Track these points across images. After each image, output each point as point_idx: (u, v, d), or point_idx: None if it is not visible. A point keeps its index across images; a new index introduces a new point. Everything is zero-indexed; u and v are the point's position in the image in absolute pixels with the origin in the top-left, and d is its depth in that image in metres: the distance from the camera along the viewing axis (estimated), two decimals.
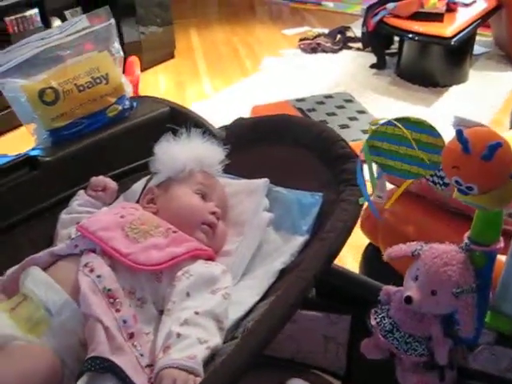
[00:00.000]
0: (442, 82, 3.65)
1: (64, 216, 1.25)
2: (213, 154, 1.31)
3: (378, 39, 3.90)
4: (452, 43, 3.34)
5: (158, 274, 1.06)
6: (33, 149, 1.33)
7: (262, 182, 1.28)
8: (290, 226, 1.22)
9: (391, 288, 1.08)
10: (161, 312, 1.03)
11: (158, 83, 4.00)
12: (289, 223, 1.23)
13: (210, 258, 1.15)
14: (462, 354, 1.05)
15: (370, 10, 3.71)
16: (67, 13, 3.65)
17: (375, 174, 1.02)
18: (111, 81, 1.41)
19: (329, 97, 3.46)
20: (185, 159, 1.27)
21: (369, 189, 1.03)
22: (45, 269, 1.06)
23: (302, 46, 4.45)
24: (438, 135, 0.91)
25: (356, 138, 2.80)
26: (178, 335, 0.92)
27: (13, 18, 3.24)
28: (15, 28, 3.27)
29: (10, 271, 1.10)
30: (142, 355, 0.94)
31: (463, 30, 3.43)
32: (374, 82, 3.80)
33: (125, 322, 0.96)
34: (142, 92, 3.14)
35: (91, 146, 1.35)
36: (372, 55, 4.04)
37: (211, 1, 6.09)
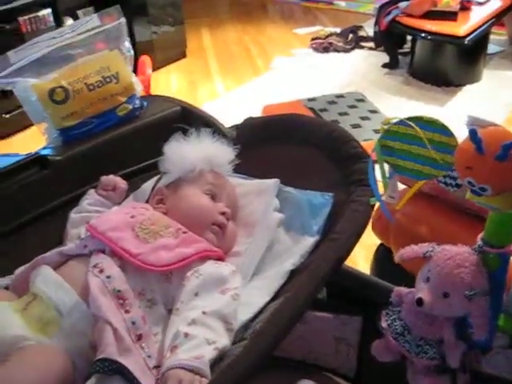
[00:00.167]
0: (456, 82, 3.63)
1: (74, 215, 1.25)
2: (223, 153, 1.31)
3: (390, 38, 3.88)
4: (465, 42, 3.31)
5: (168, 274, 1.06)
6: (43, 148, 1.34)
7: (273, 183, 1.28)
8: (300, 226, 1.21)
9: (403, 289, 1.07)
10: (170, 312, 1.02)
11: (170, 83, 4.00)
12: (299, 224, 1.22)
13: (220, 259, 1.15)
14: (475, 357, 1.04)
15: (382, 9, 3.69)
16: (80, 12, 3.66)
17: (387, 174, 1.00)
18: (121, 80, 1.41)
19: (340, 96, 3.45)
20: (194, 159, 1.27)
21: (380, 189, 1.02)
22: (55, 268, 1.06)
23: (313, 46, 4.44)
24: (450, 134, 0.90)
25: (368, 138, 2.78)
26: (186, 335, 0.92)
27: (26, 17, 3.26)
28: (28, 28, 3.28)
29: (19, 270, 1.11)
30: (149, 356, 0.93)
31: (477, 28, 3.40)
32: (386, 81, 3.78)
33: (133, 323, 0.95)
34: (154, 91, 3.14)
35: (101, 145, 1.35)
36: (384, 54, 4.02)
37: (223, 0, 6.09)
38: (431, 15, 3.47)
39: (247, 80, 3.94)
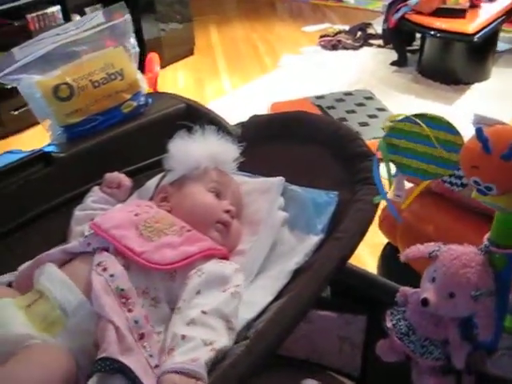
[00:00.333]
0: (464, 80, 3.61)
1: (78, 212, 1.25)
2: (227, 151, 1.30)
3: (399, 36, 3.86)
4: (475, 40, 3.29)
5: (172, 273, 1.05)
6: (48, 145, 1.34)
7: (277, 181, 1.27)
8: (304, 225, 1.20)
9: (408, 289, 1.06)
10: (173, 310, 1.02)
11: (177, 80, 4.00)
12: (304, 222, 1.21)
13: (224, 257, 1.14)
14: (481, 358, 1.02)
15: (391, 7, 3.67)
16: (88, 10, 3.66)
17: (392, 172, 0.99)
18: (126, 77, 1.40)
19: (348, 94, 3.43)
20: (199, 156, 1.26)
21: (386, 187, 1.01)
22: (59, 266, 1.05)
23: (322, 43, 4.43)
24: (456, 132, 0.89)
25: (376, 136, 2.76)
26: (183, 337, 0.91)
27: (34, 15, 3.27)
28: (36, 25, 3.30)
29: (22, 267, 1.10)
30: (151, 356, 0.92)
31: (486, 26, 3.38)
32: (394, 79, 3.76)
33: (136, 322, 0.95)
34: (161, 88, 3.15)
35: (106, 142, 1.35)
36: (393, 52, 4.01)
37: None
38: (440, 12, 3.45)
39: (255, 78, 3.94)
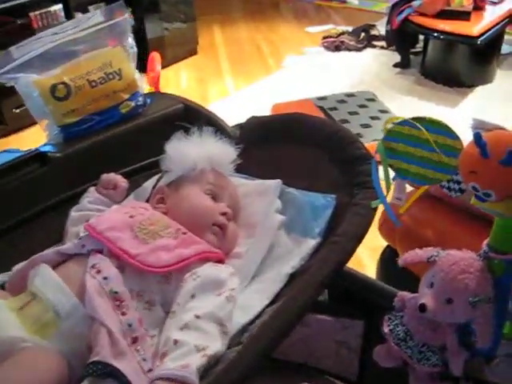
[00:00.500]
0: (468, 82, 3.60)
1: (74, 213, 1.24)
2: (224, 152, 1.29)
3: (402, 37, 3.85)
4: (479, 42, 3.29)
5: (168, 275, 1.04)
6: (44, 145, 1.33)
7: (274, 183, 1.26)
8: (301, 228, 1.19)
9: (406, 294, 1.05)
10: (168, 314, 1.01)
11: (180, 80, 4.00)
12: (301, 225, 1.20)
13: (220, 260, 1.13)
14: (479, 365, 1.01)
15: (395, 8, 3.66)
16: (91, 8, 3.66)
17: (392, 176, 0.98)
18: (124, 77, 1.39)
19: (351, 95, 3.42)
20: (196, 158, 1.25)
21: (384, 191, 0.99)
22: (53, 268, 1.04)
23: (325, 44, 4.42)
24: (455, 137, 0.88)
25: (377, 138, 2.69)
26: (176, 342, 0.90)
27: (37, 13, 3.28)
28: (39, 23, 3.30)
29: (16, 267, 1.09)
30: (144, 360, 0.92)
31: (490, 28, 3.38)
32: (397, 81, 3.75)
33: (130, 325, 0.94)
34: (164, 88, 3.13)
35: (102, 142, 1.34)
36: (396, 54, 4.00)
37: None
38: (444, 14, 3.45)
39: (258, 78, 3.93)
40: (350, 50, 4.33)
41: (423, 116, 0.91)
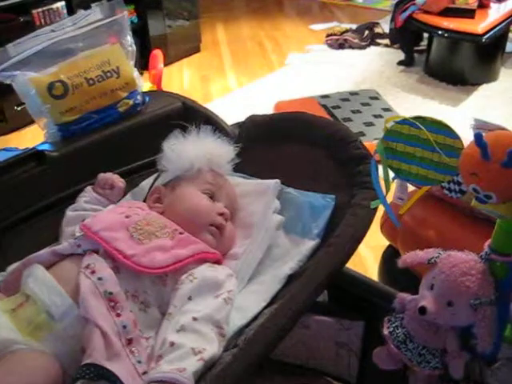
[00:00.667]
0: (472, 81, 3.57)
1: (70, 213, 1.23)
2: (222, 152, 1.28)
3: (406, 35, 3.83)
4: (483, 40, 3.26)
5: (163, 276, 1.03)
6: (42, 143, 1.32)
7: (273, 183, 1.24)
8: (300, 229, 1.18)
9: (406, 296, 1.04)
10: (164, 315, 0.99)
11: (183, 77, 3.98)
12: (299, 226, 1.19)
13: (217, 261, 1.12)
14: (479, 369, 1.00)
15: (398, 6, 3.63)
16: (94, 5, 3.64)
17: (391, 175, 0.96)
18: (122, 75, 1.38)
19: (354, 94, 3.41)
20: (193, 157, 1.23)
21: (386, 191, 0.98)
22: (47, 268, 1.03)
23: (328, 42, 4.40)
24: (455, 136, 0.86)
25: (380, 137, 2.73)
26: (172, 344, 0.89)
27: (40, 10, 3.27)
28: (42, 20, 3.29)
29: (11, 268, 1.08)
30: (139, 362, 0.91)
31: (495, 26, 3.35)
32: (401, 79, 3.73)
33: (124, 327, 0.93)
34: (166, 85, 3.13)
35: (100, 141, 1.33)
36: (400, 52, 3.98)
37: None
38: (449, 12, 3.42)
39: (261, 76, 3.92)
40: (353, 47, 4.31)
41: (423, 116, 0.89)
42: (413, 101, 3.39)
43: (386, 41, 4.27)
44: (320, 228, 1.16)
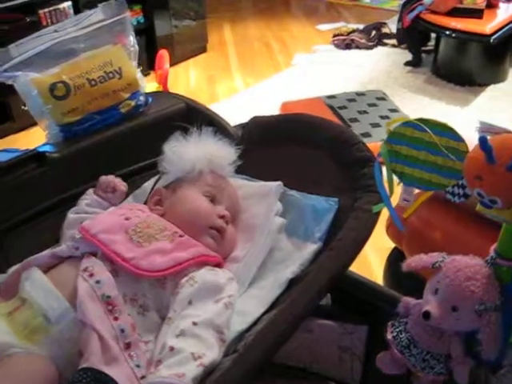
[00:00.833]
0: (480, 81, 3.55)
1: (71, 215, 1.22)
2: (224, 154, 1.26)
3: (413, 36, 3.81)
4: (491, 41, 3.24)
5: (163, 280, 1.02)
6: (43, 144, 1.31)
7: (275, 186, 1.23)
8: (302, 232, 1.17)
9: (410, 300, 1.02)
10: (163, 319, 0.99)
11: (189, 77, 3.98)
12: (302, 229, 1.17)
13: (218, 265, 1.11)
14: (484, 375, 0.98)
15: (406, 6, 3.62)
16: (101, 6, 3.64)
17: (395, 179, 0.95)
18: (124, 76, 1.38)
19: (361, 94, 3.39)
20: (194, 159, 1.22)
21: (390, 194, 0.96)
22: (46, 270, 1.02)
23: (335, 42, 4.39)
24: (459, 139, 0.84)
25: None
26: (171, 349, 0.88)
27: (46, 10, 3.27)
28: (48, 20, 3.30)
29: (11, 270, 1.08)
30: (138, 366, 0.90)
31: (503, 27, 3.34)
32: (408, 79, 3.71)
33: (122, 331, 0.92)
34: (172, 86, 3.12)
35: (101, 142, 1.33)
36: (407, 52, 3.97)
37: None
38: (456, 12, 3.40)
39: (267, 76, 3.91)
40: (360, 48, 4.30)
41: (425, 118, 0.87)
42: (420, 101, 3.37)
43: (393, 41, 4.25)
44: (322, 231, 1.14)
